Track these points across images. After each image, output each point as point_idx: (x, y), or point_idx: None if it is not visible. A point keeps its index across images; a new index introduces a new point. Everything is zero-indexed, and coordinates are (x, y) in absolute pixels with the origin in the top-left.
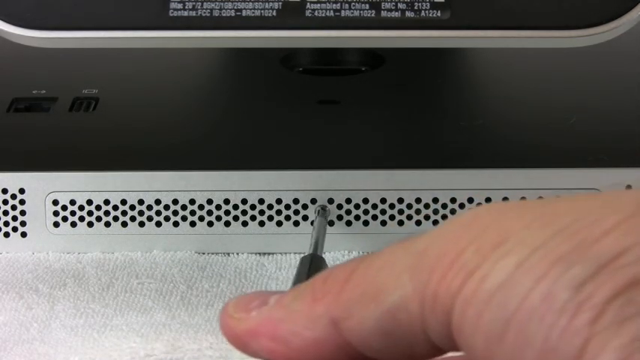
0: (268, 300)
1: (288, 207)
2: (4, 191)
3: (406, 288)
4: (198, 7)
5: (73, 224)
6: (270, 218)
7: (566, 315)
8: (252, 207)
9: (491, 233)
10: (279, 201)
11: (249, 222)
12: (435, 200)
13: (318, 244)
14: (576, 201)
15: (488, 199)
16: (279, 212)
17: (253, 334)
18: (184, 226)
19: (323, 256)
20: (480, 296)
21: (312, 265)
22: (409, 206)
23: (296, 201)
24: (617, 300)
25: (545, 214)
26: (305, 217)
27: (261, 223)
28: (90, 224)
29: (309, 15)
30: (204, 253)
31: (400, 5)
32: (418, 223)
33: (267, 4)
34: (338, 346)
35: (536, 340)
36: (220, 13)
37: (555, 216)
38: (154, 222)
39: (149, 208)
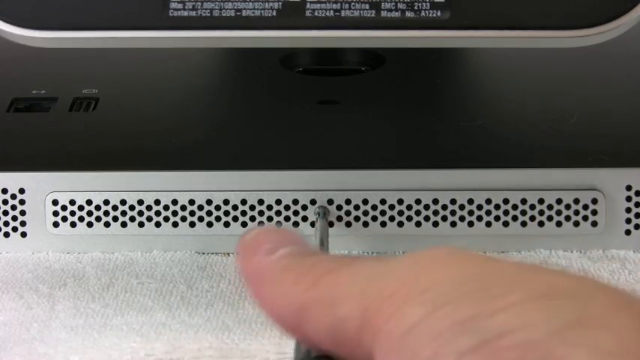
0: (276, 251)
1: (287, 208)
2: (4, 191)
3: (353, 307)
4: (198, 7)
5: (73, 224)
6: (270, 219)
7: None
8: (252, 207)
9: (423, 280)
10: (278, 202)
11: (249, 222)
12: (435, 201)
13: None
14: (507, 268)
15: (488, 200)
16: (278, 213)
17: (246, 277)
18: (184, 226)
19: None
20: (393, 335)
21: None
22: (409, 207)
23: (295, 202)
24: None
25: (469, 275)
26: (305, 218)
27: (261, 224)
28: (90, 224)
29: (309, 15)
30: (204, 253)
31: (400, 5)
32: (418, 224)
33: (267, 4)
34: (298, 330)
35: None
36: (220, 13)
37: (475, 278)
38: (153, 222)
39: (149, 208)
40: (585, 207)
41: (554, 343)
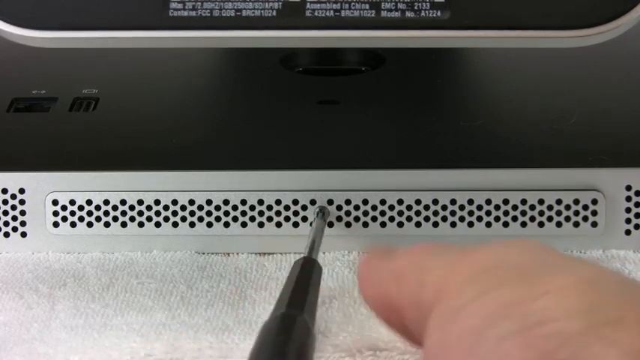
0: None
1: (287, 208)
2: (4, 191)
3: (435, 277)
4: (198, 7)
5: (73, 224)
6: (270, 219)
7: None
8: (252, 208)
9: (486, 263)
10: (278, 202)
11: (249, 223)
12: (435, 202)
13: (313, 247)
14: (562, 257)
15: (488, 201)
16: (278, 213)
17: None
18: (184, 226)
19: (323, 256)
20: (448, 309)
21: (303, 269)
22: (409, 207)
23: (295, 202)
24: None
25: (525, 261)
26: (304, 218)
27: (261, 224)
28: (89, 224)
29: (309, 15)
30: (204, 253)
31: (400, 5)
32: (418, 224)
33: (267, 4)
34: (388, 300)
35: None
36: (220, 13)
37: (528, 264)
38: (153, 222)
39: (149, 208)
40: (585, 207)
41: (590, 339)
